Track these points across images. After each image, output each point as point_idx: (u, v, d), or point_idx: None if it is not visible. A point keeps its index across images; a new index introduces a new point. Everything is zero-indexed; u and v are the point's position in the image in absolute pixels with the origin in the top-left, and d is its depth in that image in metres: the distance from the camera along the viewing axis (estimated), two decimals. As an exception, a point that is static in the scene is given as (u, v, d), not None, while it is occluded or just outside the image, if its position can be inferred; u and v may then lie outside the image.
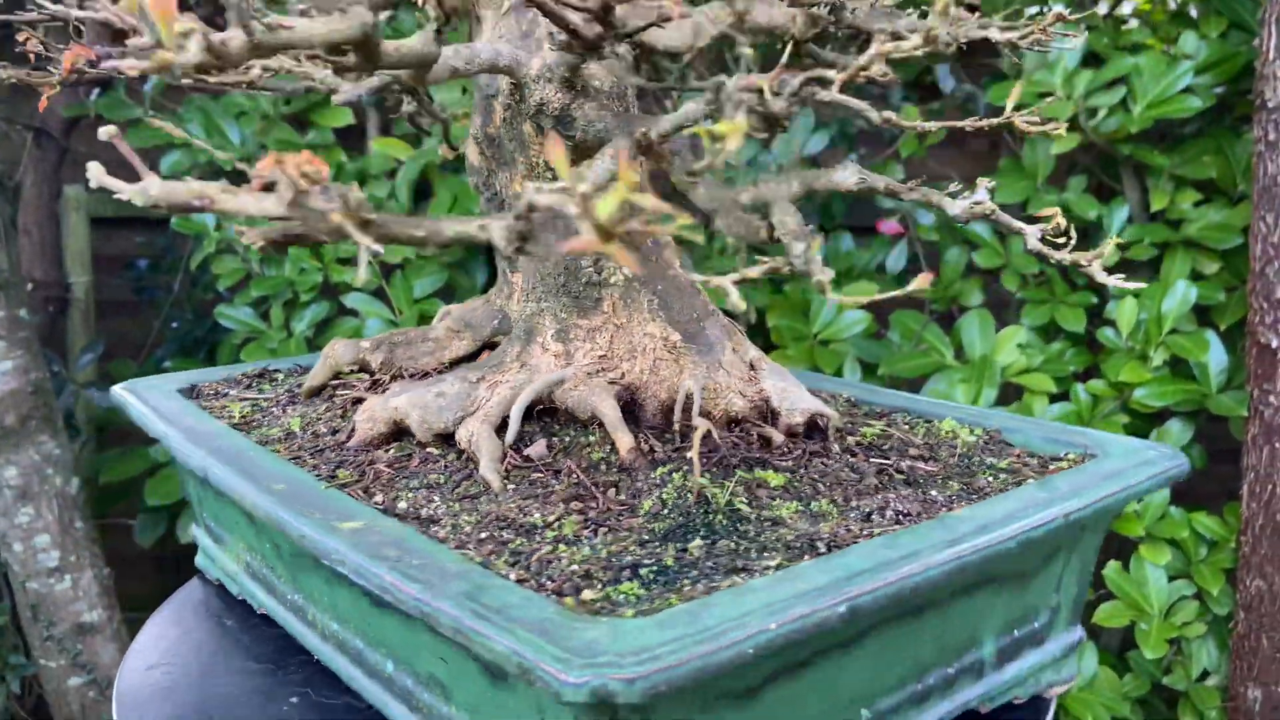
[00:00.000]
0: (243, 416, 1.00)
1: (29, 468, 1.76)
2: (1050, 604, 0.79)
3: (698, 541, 0.67)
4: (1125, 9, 2.21)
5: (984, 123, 0.81)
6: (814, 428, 0.84)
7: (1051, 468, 0.82)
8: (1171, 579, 1.89)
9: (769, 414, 0.85)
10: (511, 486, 0.77)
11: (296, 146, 2.00)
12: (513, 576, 0.62)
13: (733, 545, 0.66)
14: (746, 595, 0.57)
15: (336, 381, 1.03)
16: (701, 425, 0.75)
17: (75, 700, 1.87)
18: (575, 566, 0.63)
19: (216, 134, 2.00)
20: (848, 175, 0.70)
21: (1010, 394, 2.03)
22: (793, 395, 0.84)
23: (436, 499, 0.77)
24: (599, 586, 0.61)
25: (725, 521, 0.69)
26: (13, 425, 1.73)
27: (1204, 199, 1.97)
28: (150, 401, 1.02)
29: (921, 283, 0.67)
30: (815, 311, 2.07)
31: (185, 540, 2.04)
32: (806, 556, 0.63)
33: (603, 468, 0.79)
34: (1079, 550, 0.79)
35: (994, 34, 0.82)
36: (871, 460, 0.81)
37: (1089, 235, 2.20)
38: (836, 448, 0.82)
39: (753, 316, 2.17)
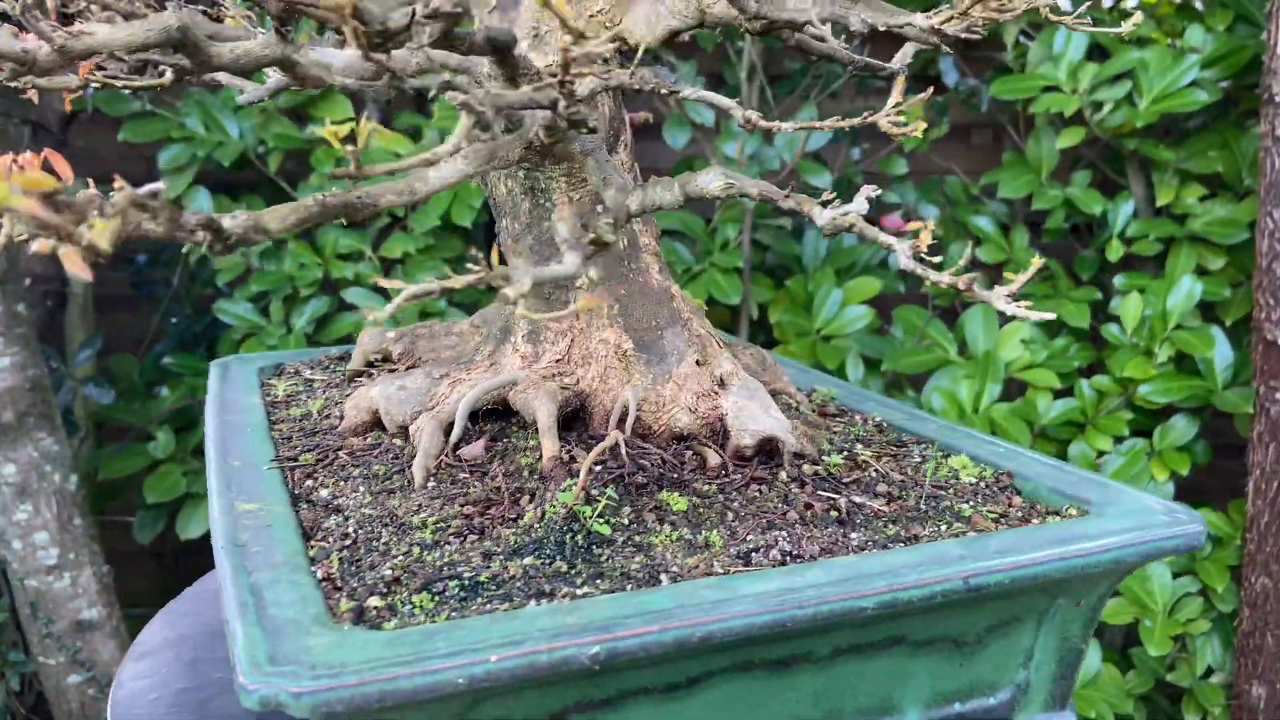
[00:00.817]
0: (284, 395, 1.03)
1: (27, 464, 1.75)
2: (1014, 679, 0.70)
3: (531, 560, 0.65)
4: (1130, 1, 2.19)
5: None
6: (770, 452, 0.79)
7: (1035, 521, 0.73)
8: (1176, 576, 1.88)
9: (722, 432, 0.81)
10: (433, 484, 0.77)
11: (295, 140, 1.99)
12: (319, 574, 0.63)
13: (564, 568, 0.64)
14: (500, 623, 0.54)
15: (372, 369, 1.06)
16: (612, 438, 0.74)
17: (74, 698, 1.86)
18: (393, 571, 0.63)
19: (215, 128, 1.99)
20: (712, 180, 0.68)
21: (1014, 390, 2.02)
22: (750, 415, 0.79)
23: (361, 489, 0.77)
24: (396, 595, 0.60)
25: (580, 543, 0.66)
26: (10, 422, 1.72)
27: (1210, 194, 1.96)
28: (227, 377, 1.06)
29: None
30: (818, 307, 2.06)
31: (185, 537, 2.03)
32: (629, 587, 0.61)
33: (527, 474, 0.78)
34: (1052, 622, 0.69)
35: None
36: (818, 493, 0.75)
37: (1093, 229, 2.19)
38: (785, 475, 0.77)
39: (754, 313, 2.16)
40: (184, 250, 2.23)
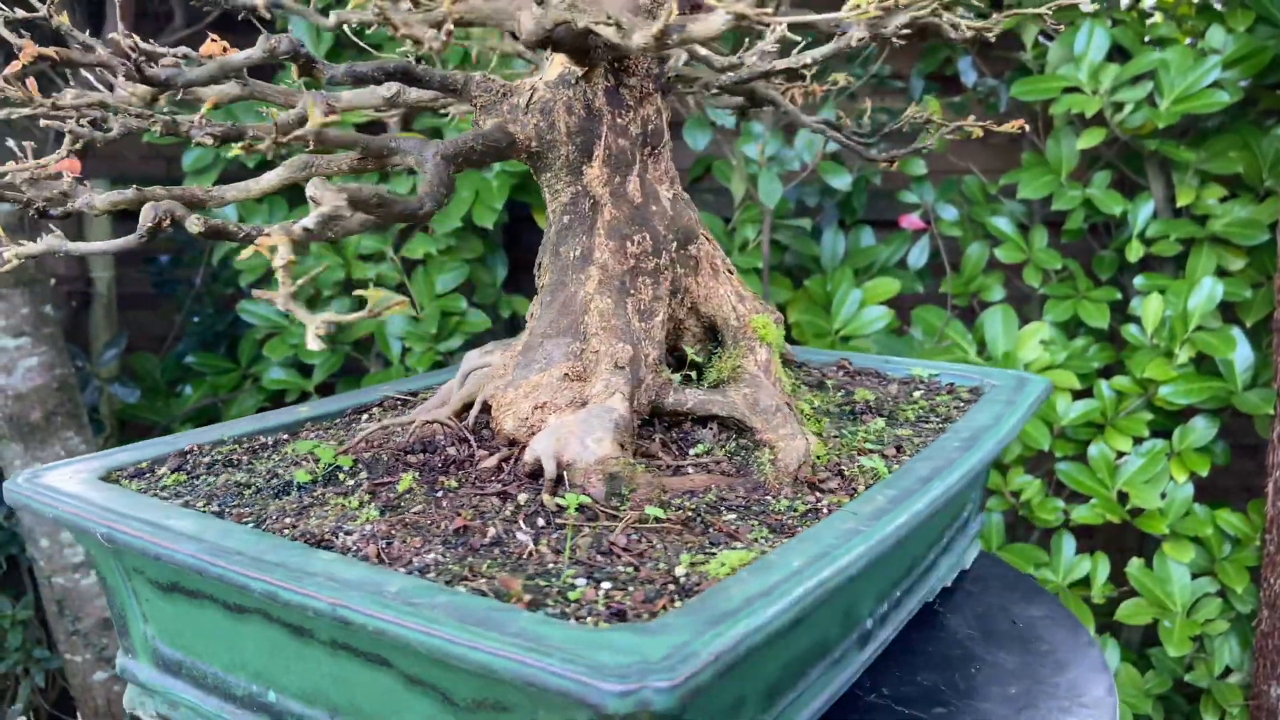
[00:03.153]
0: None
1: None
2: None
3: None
4: (1149, 1, 2.19)
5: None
6: (558, 476, 0.76)
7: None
8: (1195, 576, 1.89)
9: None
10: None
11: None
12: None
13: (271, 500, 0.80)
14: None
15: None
16: (404, 419, 0.87)
17: (101, 694, 1.88)
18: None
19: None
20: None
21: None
22: (559, 437, 0.77)
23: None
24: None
25: (284, 487, 0.81)
26: (38, 421, 1.74)
27: (1230, 194, 1.96)
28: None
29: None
30: (837, 307, 2.06)
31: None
32: (241, 521, 0.75)
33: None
34: None
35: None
36: (510, 523, 0.71)
37: (1112, 230, 2.19)
38: (523, 499, 0.75)
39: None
40: (206, 250, 2.25)
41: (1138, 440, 1.89)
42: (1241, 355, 1.84)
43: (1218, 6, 2.09)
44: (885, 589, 0.83)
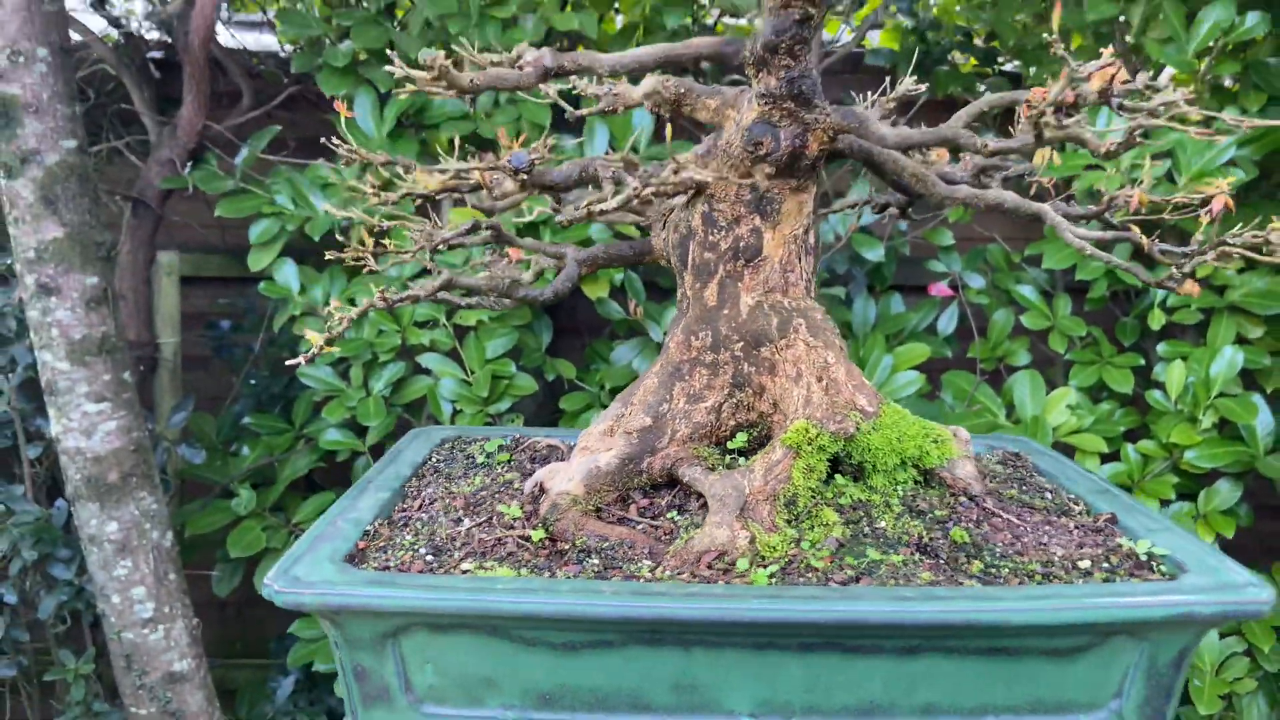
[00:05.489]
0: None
1: (128, 523, 1.85)
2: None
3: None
4: (1167, 88, 2.30)
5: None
6: (536, 493, 1.01)
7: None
8: (1223, 636, 1.95)
9: None
10: None
11: (375, 214, 2.10)
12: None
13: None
14: None
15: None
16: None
17: (163, 746, 1.94)
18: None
19: (303, 203, 2.11)
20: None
21: (1061, 454, 2.10)
22: (554, 471, 1.01)
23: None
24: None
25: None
26: (115, 482, 1.83)
27: (1247, 265, 2.05)
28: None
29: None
30: (869, 372, 2.15)
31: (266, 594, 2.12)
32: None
33: None
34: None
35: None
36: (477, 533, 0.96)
37: (1132, 298, 2.28)
38: (508, 519, 0.98)
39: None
40: (267, 316, 2.35)
41: (1164, 502, 1.96)
42: (1263, 421, 1.91)
43: (1229, 85, 2.21)
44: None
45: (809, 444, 0.95)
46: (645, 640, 0.79)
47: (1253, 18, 2.02)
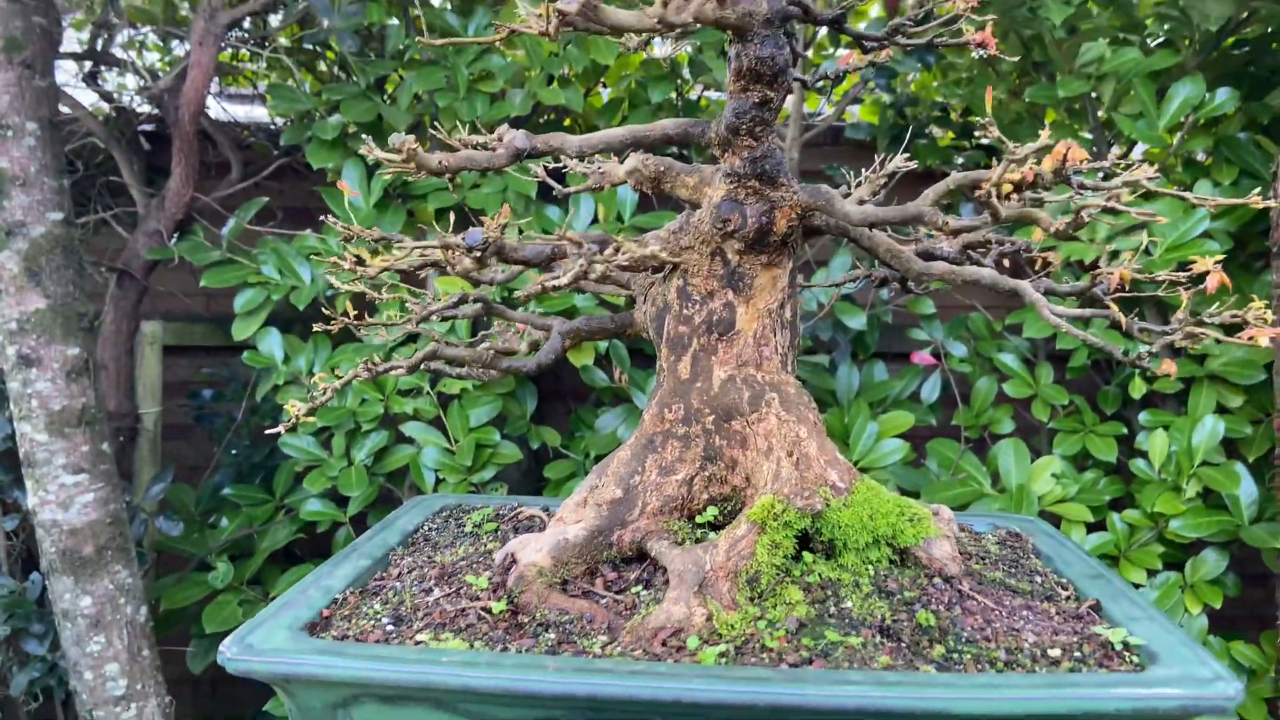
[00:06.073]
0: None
1: (103, 597, 1.82)
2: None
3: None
4: (1136, 153, 2.35)
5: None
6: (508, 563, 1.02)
7: None
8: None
9: None
10: None
11: (365, 283, 2.11)
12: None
13: None
14: None
15: None
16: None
17: (132, 830, 1.88)
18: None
19: (289, 273, 2.12)
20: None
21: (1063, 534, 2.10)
22: (524, 543, 1.02)
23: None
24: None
25: None
26: (90, 555, 1.80)
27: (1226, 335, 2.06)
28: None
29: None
30: (854, 440, 2.15)
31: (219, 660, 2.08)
32: None
33: None
34: None
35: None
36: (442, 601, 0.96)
37: (1114, 366, 2.30)
38: (474, 589, 0.99)
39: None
40: (249, 385, 2.35)
41: (1151, 572, 1.95)
42: (1246, 490, 1.92)
43: (1201, 158, 2.26)
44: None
45: (774, 520, 0.93)
46: (588, 718, 0.78)
47: (1222, 94, 2.07)
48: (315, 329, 1.15)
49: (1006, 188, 0.80)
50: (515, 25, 0.79)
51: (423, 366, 1.06)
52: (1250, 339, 0.86)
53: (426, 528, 1.23)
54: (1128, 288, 0.99)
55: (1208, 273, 0.93)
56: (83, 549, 1.79)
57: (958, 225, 0.91)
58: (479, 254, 0.80)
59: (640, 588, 0.96)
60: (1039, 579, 1.03)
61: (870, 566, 0.95)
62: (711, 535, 1.00)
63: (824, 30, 2.53)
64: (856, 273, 1.29)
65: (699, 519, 1.02)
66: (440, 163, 0.80)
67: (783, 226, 0.93)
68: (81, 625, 1.81)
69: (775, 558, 0.92)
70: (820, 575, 0.93)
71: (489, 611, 0.92)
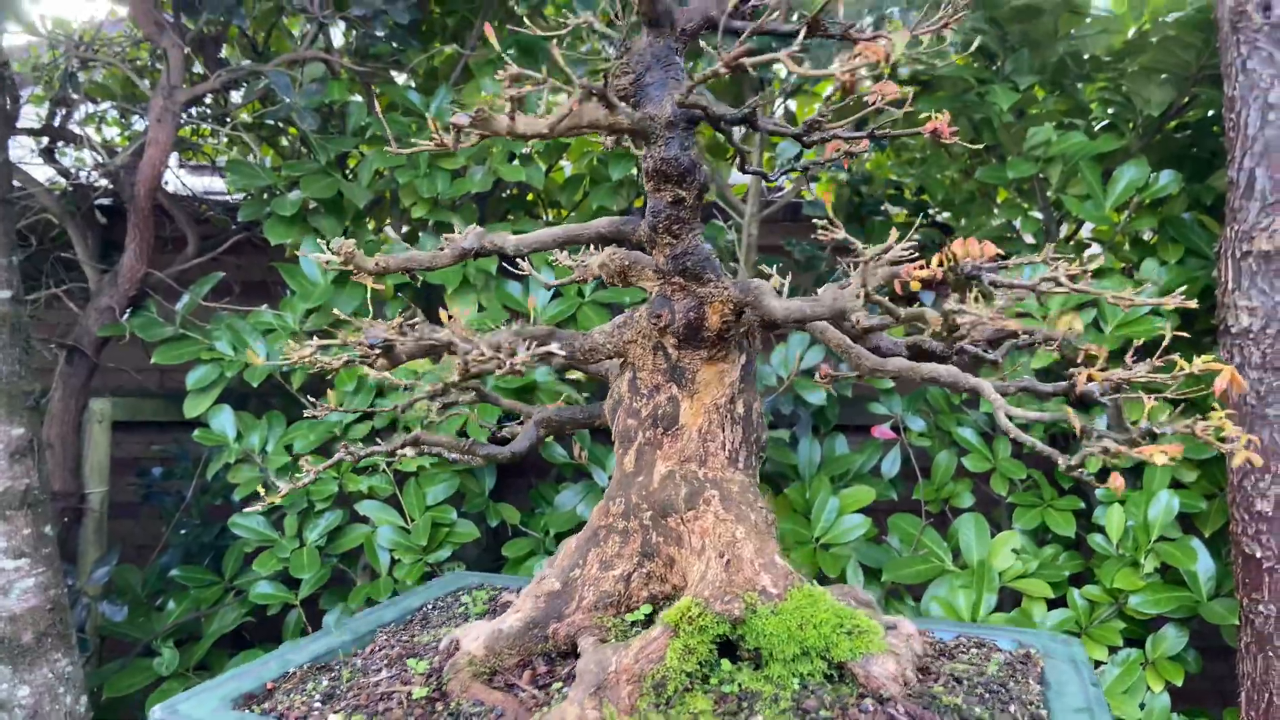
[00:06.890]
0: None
1: (41, 686, 1.74)
2: None
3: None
4: (1085, 231, 2.41)
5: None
6: (452, 651, 1.02)
7: None
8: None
9: None
10: None
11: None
12: None
13: None
14: None
15: None
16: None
17: None
18: None
19: (244, 349, 2.09)
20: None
21: (1008, 600, 2.09)
22: (467, 630, 1.03)
23: None
24: None
25: None
26: (29, 644, 1.73)
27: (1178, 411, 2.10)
28: None
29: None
30: (816, 515, 2.14)
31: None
32: None
33: None
34: None
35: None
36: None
37: (1070, 441, 2.32)
38: (435, 683, 0.99)
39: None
40: (200, 463, 2.29)
41: (1113, 649, 1.94)
42: (1203, 566, 1.93)
43: (1147, 237, 2.31)
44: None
45: (689, 624, 0.89)
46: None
47: (1165, 175, 2.14)
48: (308, 414, 1.16)
49: (915, 285, 0.82)
50: (421, 143, 0.82)
51: (401, 453, 1.06)
52: (1149, 455, 0.88)
53: (435, 606, 1.25)
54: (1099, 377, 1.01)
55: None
56: (21, 636, 1.72)
57: (868, 324, 0.94)
58: (378, 351, 0.83)
59: (561, 684, 0.94)
60: (1010, 710, 0.95)
61: (797, 680, 0.90)
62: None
63: (780, 109, 2.58)
64: (837, 372, 1.29)
65: (630, 617, 1.00)
66: (377, 264, 0.81)
67: (715, 322, 0.94)
68: (19, 716, 1.73)
69: (688, 664, 0.88)
70: (740, 685, 0.89)
71: (408, 697, 0.91)
